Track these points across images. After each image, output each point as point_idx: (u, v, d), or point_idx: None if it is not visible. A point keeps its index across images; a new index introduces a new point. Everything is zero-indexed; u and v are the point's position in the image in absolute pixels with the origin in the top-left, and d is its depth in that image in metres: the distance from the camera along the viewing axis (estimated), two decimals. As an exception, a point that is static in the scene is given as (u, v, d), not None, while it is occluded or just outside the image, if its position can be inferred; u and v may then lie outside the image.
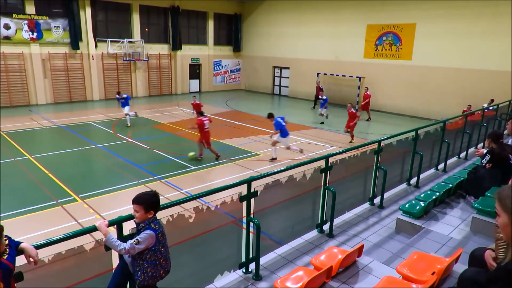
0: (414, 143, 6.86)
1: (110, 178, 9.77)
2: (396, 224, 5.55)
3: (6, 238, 2.76)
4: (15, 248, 2.79)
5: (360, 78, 21.74)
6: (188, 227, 4.11)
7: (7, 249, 2.71)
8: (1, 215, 7.32)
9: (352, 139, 13.94)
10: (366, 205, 6.29)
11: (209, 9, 27.17)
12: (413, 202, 5.56)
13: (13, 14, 19.10)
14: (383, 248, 4.97)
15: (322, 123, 17.38)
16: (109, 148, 12.47)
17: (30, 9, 19.68)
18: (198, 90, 27.99)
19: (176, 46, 25.56)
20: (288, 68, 26.60)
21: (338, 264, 3.79)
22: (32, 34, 19.80)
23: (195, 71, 27.63)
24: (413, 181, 7.15)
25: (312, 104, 22.15)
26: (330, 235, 5.34)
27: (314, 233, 5.38)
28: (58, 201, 8.24)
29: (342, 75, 22.63)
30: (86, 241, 3.41)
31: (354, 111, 13.78)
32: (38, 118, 17.32)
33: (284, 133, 11.05)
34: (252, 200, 4.44)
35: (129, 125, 15.61)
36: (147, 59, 24.29)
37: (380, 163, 6.16)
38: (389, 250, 4.86)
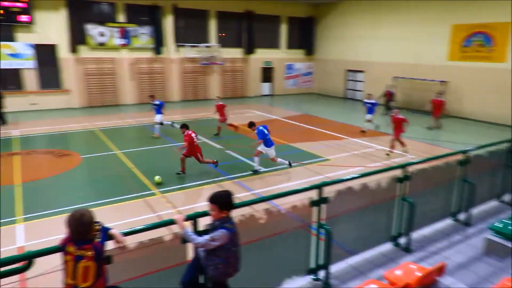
0: (510, 155, 6.16)
1: (185, 175, 10.30)
2: (484, 245, 5.03)
3: (98, 224, 3.07)
4: (106, 233, 3.09)
5: (442, 82, 20.19)
6: (258, 228, 4.17)
7: (99, 234, 3.02)
8: (92, 203, 8.14)
9: (396, 149, 12.42)
10: (449, 221, 5.81)
11: (282, 13, 27.38)
12: (507, 221, 5.00)
13: (107, 23, 21.20)
14: (469, 270, 4.55)
15: (364, 132, 15.46)
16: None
17: (122, 18, 21.65)
18: (270, 93, 28.34)
19: (249, 50, 26.19)
20: (362, 71, 25.71)
21: (416, 281, 3.54)
22: (122, 41, 21.76)
23: (267, 74, 28.02)
24: (507, 197, 6.42)
25: (384, 110, 21.12)
26: (407, 249, 5.02)
27: (388, 246, 5.11)
28: (140, 193, 8.91)
29: (422, 79, 21.22)
30: (164, 233, 3.65)
31: (401, 117, 12.25)
32: (126, 116, 18.96)
33: (268, 143, 10.30)
34: (323, 206, 4.36)
35: (155, 135, 14.47)
36: (222, 63, 25.24)
37: (467, 176, 5.64)
38: (476, 273, 4.43)
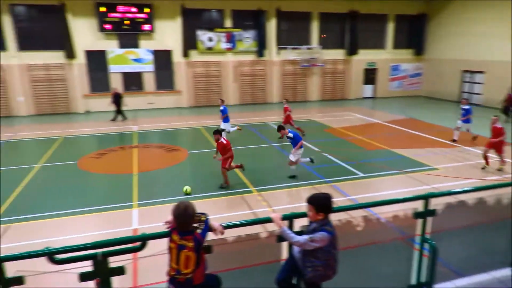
0: None
1: (281, 175, 10.45)
2: None
3: (203, 215, 3.29)
4: (208, 225, 3.29)
5: None
6: (355, 235, 4.00)
7: (203, 225, 3.23)
8: (195, 195, 8.78)
9: (490, 162, 10.65)
10: None
11: (390, 11, 25.86)
12: None
13: (216, 29, 22.70)
14: None
15: (454, 140, 13.73)
16: (282, 148, 13.36)
17: (228, 23, 22.96)
18: (372, 96, 27.09)
19: (352, 51, 25.38)
20: (482, 72, 22.83)
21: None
22: (228, 45, 23.07)
23: (370, 76, 26.81)
24: None
25: (506, 117, 18.39)
26: (531, 278, 4.30)
27: (507, 271, 4.44)
28: (238, 190, 9.32)
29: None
30: (259, 230, 3.74)
31: (499, 126, 10.39)
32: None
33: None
34: (429, 219, 3.99)
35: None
36: (323, 65, 24.95)
37: None
38: None
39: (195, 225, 3.23)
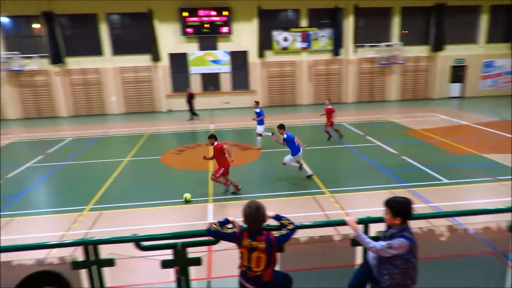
0: None
1: (356, 177, 10.12)
2: None
3: (292, 224, 3.31)
4: (292, 234, 3.29)
5: None
6: (437, 246, 3.72)
7: (284, 231, 3.26)
8: (266, 194, 8.89)
9: None
10: None
11: (483, 2, 23.43)
12: None
13: (291, 29, 22.73)
14: None
15: None
16: (357, 149, 12.91)
17: (304, 23, 22.83)
18: (459, 95, 24.87)
19: (437, 47, 23.54)
20: None
21: None
22: (303, 44, 22.94)
23: (457, 73, 24.62)
24: None
25: None
26: None
27: None
28: (310, 190, 9.23)
29: None
30: (332, 233, 3.66)
31: None
32: (301, 116, 19.97)
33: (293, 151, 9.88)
34: (528, 233, 3.54)
35: (257, 147, 13.60)
36: (403, 62, 23.55)
37: None
38: None
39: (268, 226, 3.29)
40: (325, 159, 12.26)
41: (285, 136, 9.95)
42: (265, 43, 22.70)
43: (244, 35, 22.57)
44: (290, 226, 3.27)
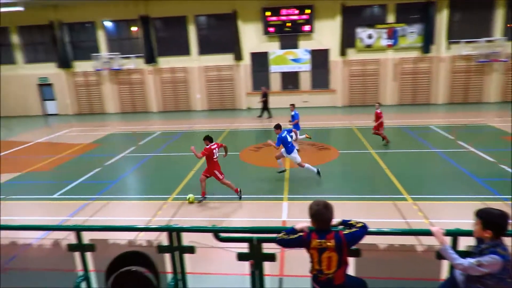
0: None
1: (443, 185, 9.34)
2: None
3: (360, 223, 3.21)
4: (363, 232, 3.19)
5: None
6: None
7: (353, 229, 3.17)
8: (342, 195, 8.64)
9: None
10: None
11: None
12: None
13: (376, 25, 21.70)
14: None
15: None
16: (446, 154, 11.89)
17: (391, 18, 21.62)
18: None
19: (551, 42, 20.54)
20: None
21: None
22: (389, 41, 21.76)
23: None
24: None
25: None
26: None
27: None
28: (390, 196, 8.75)
29: None
30: (414, 242, 3.42)
31: None
32: (384, 117, 18.95)
33: (288, 149, 9.92)
34: None
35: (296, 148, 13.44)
36: (507, 60, 20.98)
37: None
38: None
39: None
40: (408, 163, 11.52)
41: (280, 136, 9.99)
42: (347, 41, 22.01)
43: (326, 33, 22.16)
44: (359, 224, 3.16)
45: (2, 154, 14.59)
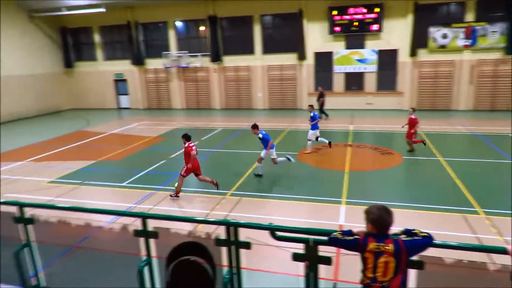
0: None
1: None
2: None
3: (423, 232, 3.06)
4: (428, 241, 3.02)
5: None
6: None
7: (416, 238, 3.01)
8: (404, 203, 8.21)
9: None
10: None
11: None
12: None
13: (453, 24, 20.20)
14: None
15: None
16: (528, 167, 10.75)
17: (470, 17, 20.00)
18: None
19: None
20: None
21: None
22: (466, 41, 20.15)
23: None
24: None
25: None
26: None
27: None
28: (459, 208, 8.14)
29: None
30: (485, 260, 3.15)
31: None
32: (456, 122, 17.69)
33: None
34: None
35: (308, 151, 13.11)
36: None
37: None
38: None
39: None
40: (482, 173, 10.61)
41: (260, 135, 10.24)
42: (419, 41, 20.78)
43: (395, 32, 21.13)
44: (423, 234, 2.98)
45: (81, 142, 16.04)
